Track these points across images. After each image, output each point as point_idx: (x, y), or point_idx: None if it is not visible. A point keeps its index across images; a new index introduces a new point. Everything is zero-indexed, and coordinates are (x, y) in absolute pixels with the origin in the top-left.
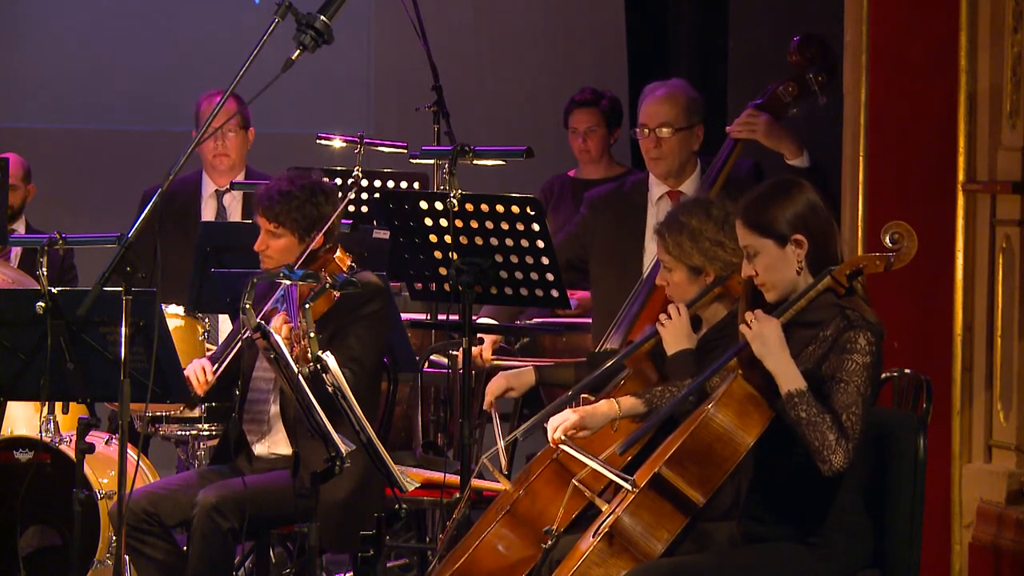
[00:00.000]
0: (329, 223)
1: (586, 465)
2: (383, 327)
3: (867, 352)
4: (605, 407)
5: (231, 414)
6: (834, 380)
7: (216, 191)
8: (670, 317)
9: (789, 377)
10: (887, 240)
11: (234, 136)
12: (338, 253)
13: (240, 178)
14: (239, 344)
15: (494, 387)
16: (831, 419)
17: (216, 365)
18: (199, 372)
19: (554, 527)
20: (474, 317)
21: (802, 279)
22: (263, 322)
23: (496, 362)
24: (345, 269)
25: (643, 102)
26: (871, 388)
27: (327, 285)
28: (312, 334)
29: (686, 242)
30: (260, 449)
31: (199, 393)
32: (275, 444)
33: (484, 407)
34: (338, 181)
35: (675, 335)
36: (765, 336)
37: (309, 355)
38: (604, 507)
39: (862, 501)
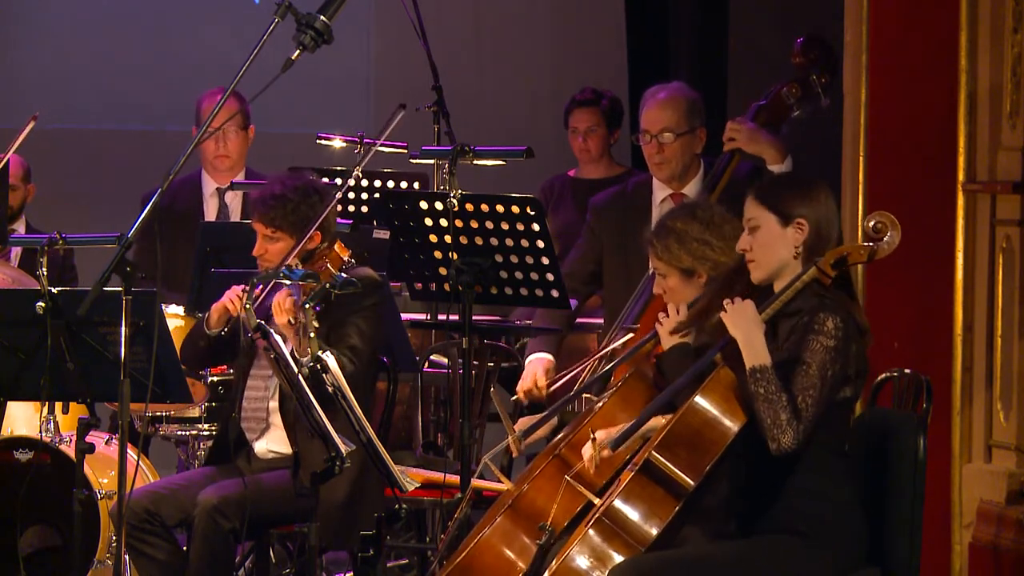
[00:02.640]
0: (320, 220)
1: (581, 461)
2: (381, 320)
3: (832, 336)
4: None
5: (231, 414)
6: (798, 361)
7: (217, 189)
8: (668, 316)
9: (756, 352)
10: (871, 229)
11: (235, 136)
12: (336, 248)
13: (240, 178)
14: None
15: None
16: (787, 399)
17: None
18: (238, 293)
19: (548, 522)
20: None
21: (795, 263)
22: (263, 322)
23: (551, 389)
24: (344, 262)
25: (644, 107)
26: (834, 372)
27: (328, 286)
28: (312, 334)
29: (673, 245)
30: (259, 447)
31: (235, 315)
32: (274, 442)
33: (516, 455)
34: (338, 181)
35: (671, 331)
36: (739, 313)
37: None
38: (597, 502)
39: (857, 498)
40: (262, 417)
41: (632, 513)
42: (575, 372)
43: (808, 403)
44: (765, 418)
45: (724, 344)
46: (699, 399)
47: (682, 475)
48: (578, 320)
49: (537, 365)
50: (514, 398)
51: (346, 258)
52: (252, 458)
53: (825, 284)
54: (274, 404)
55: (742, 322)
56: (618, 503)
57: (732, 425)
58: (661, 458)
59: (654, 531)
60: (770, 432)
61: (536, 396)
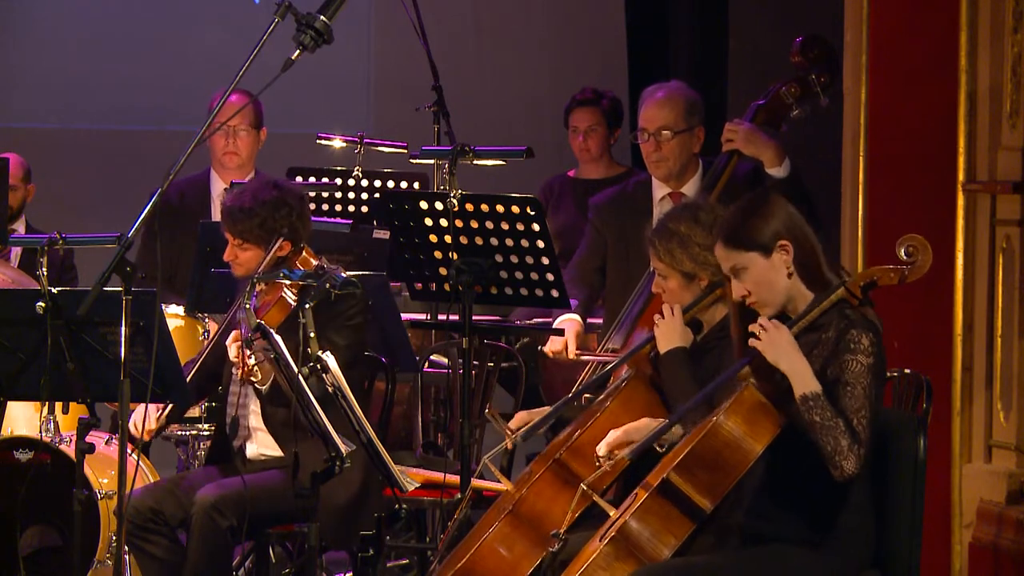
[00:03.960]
0: (277, 233)
1: (594, 469)
2: (356, 327)
3: (870, 353)
4: (644, 421)
5: (229, 417)
6: (840, 383)
7: (225, 190)
8: (664, 316)
9: (805, 380)
10: (902, 253)
11: (245, 135)
12: (303, 256)
13: (250, 179)
14: (210, 345)
15: (516, 427)
16: (844, 424)
17: (159, 412)
18: (138, 422)
19: (561, 530)
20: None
21: (793, 284)
22: (262, 322)
23: (582, 357)
24: (314, 268)
25: (642, 105)
26: (876, 389)
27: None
28: (312, 334)
29: (676, 249)
30: (250, 451)
31: (144, 439)
32: (263, 446)
33: (508, 447)
34: (338, 181)
35: (667, 334)
36: (778, 341)
37: (257, 374)
38: (611, 511)
39: (868, 502)
40: (245, 424)
41: (647, 533)
42: (605, 357)
43: (864, 424)
44: (825, 446)
45: (749, 360)
46: (722, 420)
47: (700, 497)
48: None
49: (569, 328)
50: (541, 348)
51: (315, 262)
52: (245, 461)
53: (852, 305)
54: (255, 409)
55: (783, 351)
56: (633, 523)
57: (754, 447)
58: (680, 479)
59: (667, 552)
60: (832, 460)
61: (564, 360)
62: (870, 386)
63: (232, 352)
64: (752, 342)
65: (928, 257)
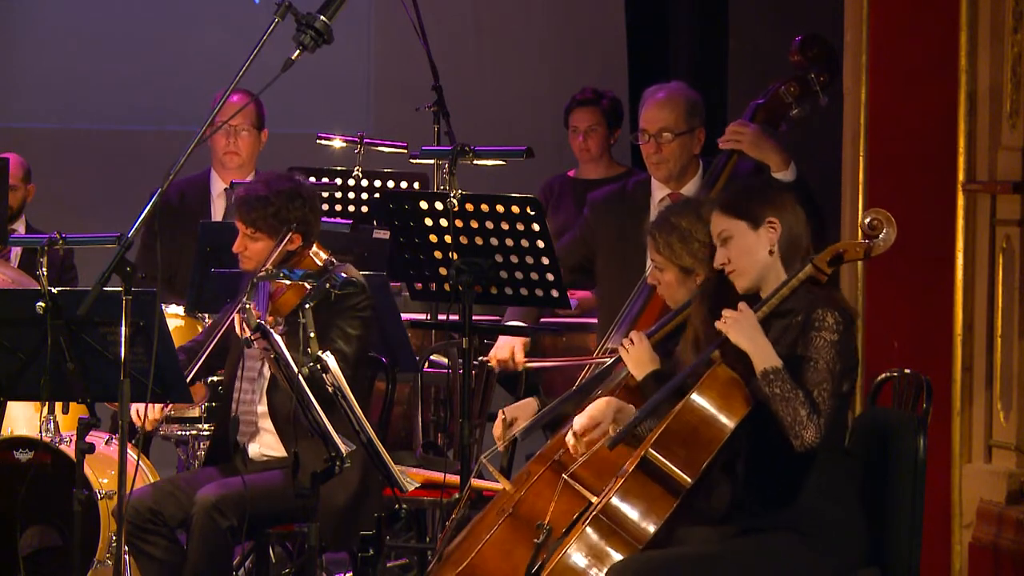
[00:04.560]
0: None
1: (595, 469)
2: (365, 319)
3: (835, 330)
4: (603, 400)
5: (228, 415)
6: (805, 359)
7: (225, 190)
8: (632, 343)
9: (765, 356)
10: (866, 226)
11: (247, 135)
12: (313, 249)
13: (251, 179)
14: (215, 339)
15: (502, 424)
16: (803, 395)
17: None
18: (141, 411)
19: (546, 521)
20: (501, 320)
21: (774, 263)
22: (262, 322)
23: (528, 364)
24: (323, 261)
25: (643, 106)
26: (841, 366)
27: (328, 286)
28: (312, 334)
29: (676, 243)
30: (252, 451)
31: (148, 429)
32: (265, 446)
33: (501, 449)
34: (338, 181)
35: (637, 361)
36: (740, 323)
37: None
38: (594, 500)
39: (858, 497)
40: (252, 421)
41: (630, 511)
42: (556, 363)
43: (824, 397)
44: (785, 417)
45: (720, 343)
46: (695, 397)
47: (679, 472)
48: (578, 320)
49: (515, 337)
50: (484, 359)
51: (325, 256)
52: (247, 461)
53: (821, 282)
54: (262, 408)
55: (745, 330)
56: (616, 501)
57: (729, 422)
58: (658, 455)
59: (651, 528)
60: (792, 430)
61: (511, 368)
62: (833, 361)
63: (242, 325)
64: (718, 324)
65: (893, 230)
